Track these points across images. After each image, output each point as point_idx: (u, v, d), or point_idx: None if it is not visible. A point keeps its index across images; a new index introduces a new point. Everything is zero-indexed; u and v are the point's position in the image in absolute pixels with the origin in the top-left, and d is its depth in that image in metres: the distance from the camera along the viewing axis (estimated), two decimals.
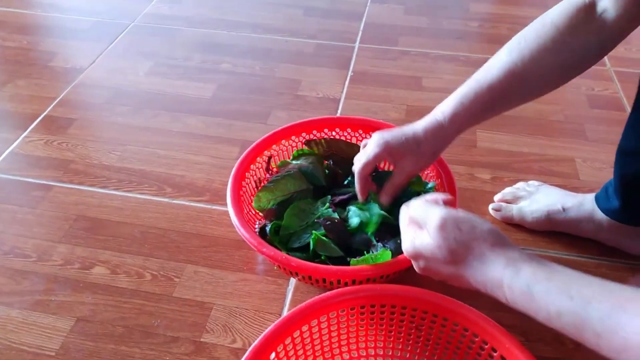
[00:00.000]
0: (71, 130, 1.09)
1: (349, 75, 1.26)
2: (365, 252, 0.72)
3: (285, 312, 0.76)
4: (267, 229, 0.78)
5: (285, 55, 1.34)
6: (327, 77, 1.25)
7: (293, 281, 0.80)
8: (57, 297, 0.78)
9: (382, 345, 0.67)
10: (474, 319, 0.59)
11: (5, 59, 1.31)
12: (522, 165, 1.01)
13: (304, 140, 0.89)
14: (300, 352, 0.62)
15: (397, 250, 0.68)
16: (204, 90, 1.21)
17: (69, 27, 1.46)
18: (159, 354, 0.71)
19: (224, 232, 0.87)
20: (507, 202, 0.90)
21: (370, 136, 0.73)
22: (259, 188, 0.80)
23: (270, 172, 0.86)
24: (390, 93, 1.20)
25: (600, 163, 1.01)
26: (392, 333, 0.66)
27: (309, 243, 0.74)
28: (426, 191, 0.80)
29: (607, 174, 0.88)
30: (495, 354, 0.58)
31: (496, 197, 0.91)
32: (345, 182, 0.86)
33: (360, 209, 0.78)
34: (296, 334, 0.60)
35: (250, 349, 0.56)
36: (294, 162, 0.85)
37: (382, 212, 0.75)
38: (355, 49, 1.36)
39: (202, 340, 0.72)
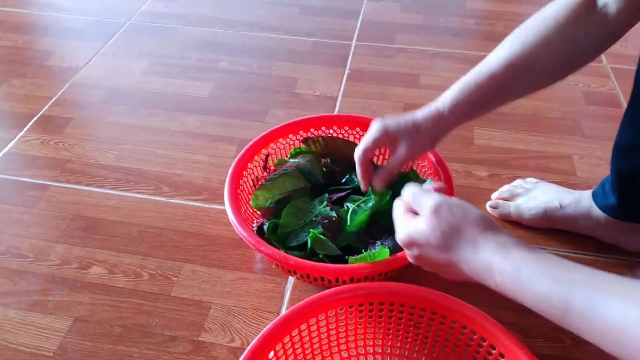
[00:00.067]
0: (68, 130, 1.08)
1: (346, 73, 1.26)
2: (363, 250, 0.72)
3: (284, 311, 0.76)
4: (265, 227, 0.77)
5: (282, 54, 1.33)
6: (324, 75, 1.25)
7: (291, 280, 0.80)
8: (54, 297, 0.77)
9: (380, 343, 0.67)
10: (473, 316, 0.59)
11: (0, 58, 1.31)
12: (519, 162, 1.01)
13: (302, 138, 0.88)
14: (299, 350, 0.62)
15: (395, 248, 0.67)
16: (201, 89, 1.21)
17: (65, 26, 1.45)
18: (157, 354, 0.70)
19: (221, 231, 0.87)
20: (505, 199, 0.90)
21: None
22: (257, 186, 0.80)
23: (267, 170, 0.86)
24: (388, 91, 1.20)
25: (597, 159, 1.01)
26: (391, 331, 0.66)
27: (306, 241, 0.74)
28: None
29: (604, 171, 0.88)
30: (493, 351, 0.58)
31: (493, 195, 0.92)
32: (343, 180, 0.86)
33: (358, 207, 0.78)
34: (295, 332, 0.60)
35: (248, 348, 0.56)
36: (291, 160, 0.85)
37: (370, 207, 0.75)
38: (352, 47, 1.36)
39: (200, 339, 0.72)
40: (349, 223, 0.75)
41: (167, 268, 0.81)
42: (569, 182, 0.96)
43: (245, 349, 0.56)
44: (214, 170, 0.99)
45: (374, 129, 0.70)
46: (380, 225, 0.77)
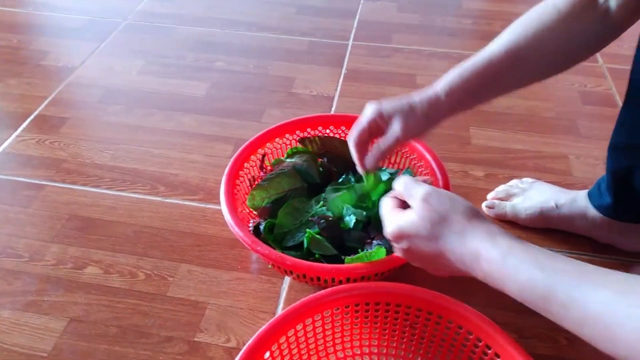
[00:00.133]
0: (63, 130, 1.08)
1: (342, 73, 1.26)
2: (359, 250, 0.72)
3: (280, 311, 0.76)
4: (261, 227, 0.77)
5: (279, 53, 1.33)
6: (320, 75, 1.25)
7: (287, 280, 0.80)
8: (49, 298, 0.77)
9: (376, 344, 0.67)
10: (468, 317, 0.59)
11: None
12: (515, 162, 1.01)
13: (298, 138, 0.88)
14: (295, 351, 0.62)
15: (392, 248, 0.67)
16: (197, 89, 1.20)
17: (60, 25, 1.45)
18: (153, 354, 0.70)
19: (217, 231, 0.87)
20: (501, 199, 0.90)
21: None
22: (253, 186, 0.80)
23: (264, 170, 0.86)
24: (385, 90, 1.20)
25: (593, 159, 1.01)
26: (387, 331, 0.66)
27: (303, 241, 0.74)
28: None
29: (600, 170, 0.88)
30: (489, 351, 0.58)
31: (489, 195, 0.92)
32: (340, 180, 0.86)
33: (354, 206, 0.78)
34: (291, 332, 0.60)
35: (244, 348, 0.55)
36: (288, 160, 0.85)
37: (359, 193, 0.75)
38: (349, 47, 1.36)
39: (196, 339, 0.72)
40: (332, 199, 0.75)
41: (163, 268, 0.81)
42: (565, 181, 0.96)
43: (241, 349, 0.55)
44: (210, 170, 0.98)
45: (367, 110, 0.69)
46: (377, 225, 0.77)
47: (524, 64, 0.65)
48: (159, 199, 0.93)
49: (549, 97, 1.18)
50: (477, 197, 0.92)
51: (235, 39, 1.39)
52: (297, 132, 0.89)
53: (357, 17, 1.49)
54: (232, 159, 0.81)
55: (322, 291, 0.61)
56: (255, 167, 0.86)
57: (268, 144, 0.87)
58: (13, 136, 1.06)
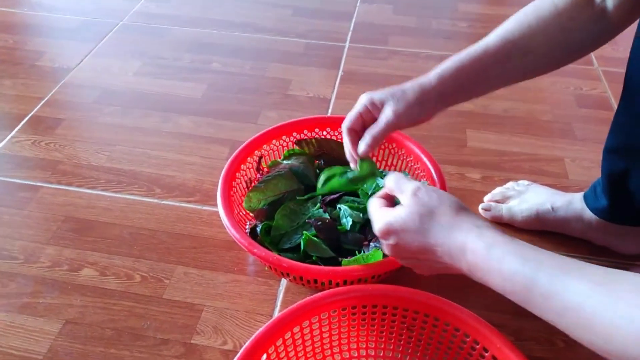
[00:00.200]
0: (59, 131, 1.08)
1: (339, 75, 1.26)
2: (356, 252, 0.72)
3: (277, 313, 0.75)
4: (258, 229, 0.77)
5: (275, 55, 1.33)
6: (317, 77, 1.25)
7: (284, 282, 0.80)
8: (44, 300, 0.77)
9: (373, 346, 0.67)
10: (465, 319, 0.59)
11: None
12: (512, 164, 1.01)
13: (295, 140, 0.88)
14: (292, 353, 0.62)
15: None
16: (193, 90, 1.20)
17: (56, 26, 1.44)
18: (149, 357, 0.70)
19: (214, 233, 0.86)
20: (497, 202, 0.90)
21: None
22: (250, 188, 0.80)
23: (260, 172, 0.86)
24: None
25: (589, 162, 1.02)
26: (384, 333, 0.66)
27: (300, 244, 0.74)
28: None
29: (595, 173, 0.89)
30: (486, 354, 0.58)
31: (486, 198, 0.92)
32: None
33: (351, 207, 0.78)
34: (287, 335, 0.60)
35: (241, 350, 0.55)
36: (284, 162, 0.85)
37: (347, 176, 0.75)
38: (345, 49, 1.36)
39: (192, 342, 0.72)
40: (320, 186, 0.74)
41: (159, 270, 0.81)
42: (561, 184, 0.96)
43: (237, 352, 0.55)
44: (207, 172, 0.98)
45: (360, 99, 0.69)
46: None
47: (518, 55, 0.66)
48: (155, 200, 0.92)
49: (544, 100, 1.19)
50: (473, 200, 0.92)
51: (231, 41, 1.39)
52: (294, 134, 0.89)
53: (354, 19, 1.49)
54: (228, 161, 0.81)
55: (319, 293, 0.61)
56: (251, 169, 0.85)
57: (265, 145, 0.87)
58: (8, 137, 1.06)
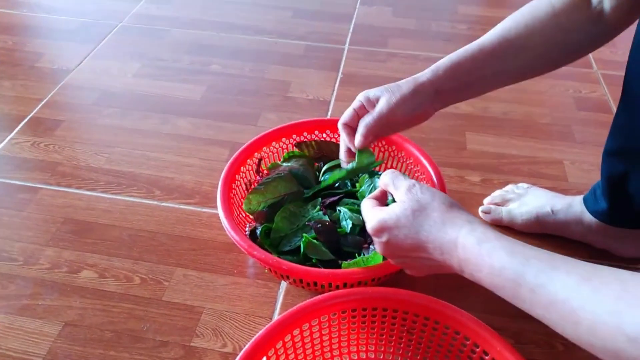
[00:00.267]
0: (58, 132, 1.07)
1: (339, 77, 1.26)
2: (356, 254, 0.72)
3: (276, 316, 0.75)
4: (258, 231, 0.77)
5: (275, 57, 1.33)
6: (317, 79, 1.25)
7: (284, 284, 0.79)
8: (44, 302, 0.76)
9: (373, 349, 0.67)
10: (465, 322, 0.59)
11: None
12: (511, 167, 1.01)
13: (295, 142, 0.88)
14: (292, 356, 0.62)
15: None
16: (193, 92, 1.20)
17: (55, 27, 1.44)
18: (149, 359, 0.70)
19: (214, 235, 0.86)
20: (497, 204, 0.90)
21: None
22: (249, 190, 0.80)
23: (260, 174, 0.86)
24: None
25: (589, 165, 1.02)
26: (384, 336, 0.66)
27: (299, 246, 0.74)
28: None
29: (595, 176, 0.89)
30: (486, 357, 0.58)
31: (486, 200, 0.92)
32: (336, 185, 0.86)
33: (351, 210, 0.78)
34: (287, 337, 0.60)
35: (241, 353, 0.55)
36: (284, 164, 0.85)
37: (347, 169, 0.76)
38: (345, 51, 1.36)
39: (192, 344, 0.72)
40: (324, 179, 0.74)
41: (158, 272, 0.81)
42: (561, 187, 0.96)
43: (237, 355, 0.55)
44: (206, 174, 0.98)
45: (356, 98, 0.70)
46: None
47: (514, 54, 0.66)
48: (154, 202, 0.92)
49: (543, 102, 1.19)
50: (473, 202, 0.92)
51: (231, 42, 1.39)
52: (294, 136, 0.89)
53: (353, 21, 1.49)
54: (228, 163, 0.81)
55: (319, 296, 0.61)
56: (251, 171, 0.85)
57: (264, 147, 0.87)
58: (7, 139, 1.05)
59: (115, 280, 0.80)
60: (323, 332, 0.63)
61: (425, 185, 0.57)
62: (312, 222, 0.76)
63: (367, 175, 0.81)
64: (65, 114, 1.12)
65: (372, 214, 0.58)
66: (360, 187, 0.82)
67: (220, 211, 0.74)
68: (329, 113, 1.14)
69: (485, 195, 0.93)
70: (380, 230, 0.56)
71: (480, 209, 0.90)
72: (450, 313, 0.60)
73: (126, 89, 1.21)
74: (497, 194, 0.92)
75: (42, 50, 1.34)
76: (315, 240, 0.74)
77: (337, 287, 0.68)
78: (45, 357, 0.70)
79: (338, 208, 0.79)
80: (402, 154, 0.87)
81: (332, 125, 0.91)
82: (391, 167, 0.91)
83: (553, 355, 0.71)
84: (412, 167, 0.85)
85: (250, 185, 0.84)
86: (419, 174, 0.83)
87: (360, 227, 0.77)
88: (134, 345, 0.71)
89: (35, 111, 1.13)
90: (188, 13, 1.51)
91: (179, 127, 1.10)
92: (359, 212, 0.77)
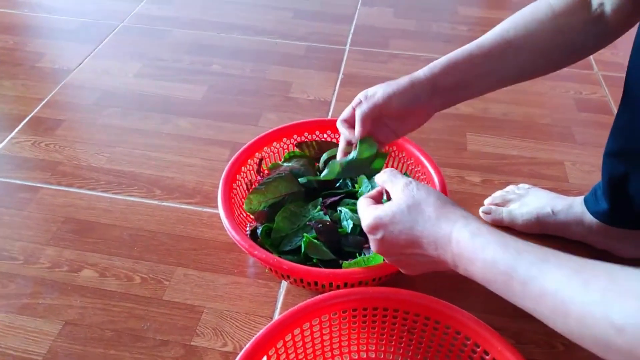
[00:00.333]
0: (59, 132, 1.07)
1: (339, 78, 1.26)
2: (357, 254, 0.72)
3: (277, 316, 0.75)
4: (259, 231, 0.77)
5: (276, 57, 1.33)
6: (317, 80, 1.25)
7: (284, 284, 0.79)
8: (44, 301, 0.76)
9: (374, 349, 0.67)
10: (466, 322, 0.59)
11: None
12: (511, 168, 1.01)
13: (296, 142, 0.88)
14: (292, 355, 0.62)
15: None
16: (194, 92, 1.20)
17: (56, 27, 1.44)
18: (149, 358, 0.70)
19: (214, 235, 0.86)
20: (497, 205, 0.90)
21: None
22: (250, 190, 0.80)
23: (261, 174, 0.86)
24: None
25: (589, 166, 1.02)
26: (384, 336, 0.66)
27: (300, 246, 0.74)
28: None
29: (595, 177, 0.89)
30: (487, 357, 0.58)
31: (486, 201, 0.92)
32: (337, 185, 0.86)
33: (352, 210, 0.78)
34: (288, 337, 0.60)
35: (241, 352, 0.55)
36: (285, 164, 0.85)
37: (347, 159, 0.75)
38: (346, 52, 1.36)
39: (192, 343, 0.72)
40: (325, 172, 0.73)
41: (159, 272, 0.81)
42: (561, 188, 0.96)
43: (238, 354, 0.55)
44: (207, 174, 0.98)
45: (355, 97, 0.70)
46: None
47: (513, 54, 0.66)
48: (155, 202, 0.92)
49: (544, 104, 1.19)
50: (473, 203, 0.92)
51: (232, 43, 1.39)
52: (295, 136, 0.89)
53: (354, 22, 1.50)
54: (229, 162, 0.81)
55: (320, 296, 0.61)
56: (252, 171, 0.85)
57: (265, 148, 0.87)
58: (8, 138, 1.05)
59: (115, 279, 0.80)
60: (324, 332, 0.63)
61: (422, 184, 0.57)
62: (313, 222, 0.76)
63: (365, 177, 0.81)
64: (66, 114, 1.13)
65: (367, 212, 0.58)
66: (359, 188, 0.82)
67: (221, 211, 0.74)
68: (330, 113, 1.15)
69: (486, 196, 0.93)
70: (376, 227, 0.56)
71: (481, 209, 0.90)
72: (451, 313, 0.60)
73: (127, 89, 1.21)
74: (497, 195, 0.92)
75: (43, 50, 1.34)
76: (316, 240, 0.74)
77: (338, 287, 0.68)
78: (46, 356, 0.70)
79: (339, 208, 0.79)
80: (403, 154, 0.87)
81: (333, 125, 0.90)
82: (392, 167, 0.91)
83: (553, 355, 0.71)
84: (413, 167, 0.85)
85: (251, 185, 0.84)
86: (420, 174, 0.84)
87: (360, 228, 0.77)
88: (135, 345, 0.71)
89: (36, 111, 1.13)
90: (189, 13, 1.51)
91: (180, 127, 1.10)
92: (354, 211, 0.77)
